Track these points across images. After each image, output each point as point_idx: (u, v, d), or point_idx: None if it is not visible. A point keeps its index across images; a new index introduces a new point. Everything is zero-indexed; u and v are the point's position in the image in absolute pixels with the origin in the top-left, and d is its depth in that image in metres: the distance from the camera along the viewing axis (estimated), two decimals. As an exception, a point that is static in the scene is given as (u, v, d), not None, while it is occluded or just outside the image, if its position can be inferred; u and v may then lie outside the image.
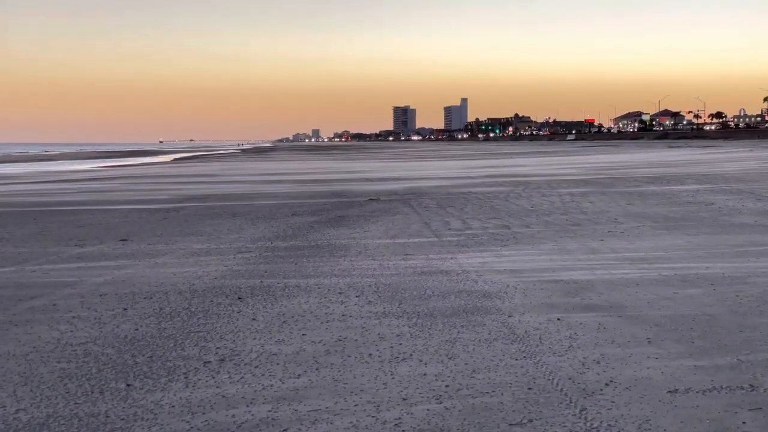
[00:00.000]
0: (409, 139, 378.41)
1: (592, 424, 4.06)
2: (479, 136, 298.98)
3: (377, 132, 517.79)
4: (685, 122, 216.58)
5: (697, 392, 4.52)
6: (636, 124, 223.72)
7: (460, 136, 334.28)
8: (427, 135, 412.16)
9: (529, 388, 4.63)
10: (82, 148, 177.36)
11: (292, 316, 6.56)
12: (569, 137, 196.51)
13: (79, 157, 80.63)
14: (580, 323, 6.16)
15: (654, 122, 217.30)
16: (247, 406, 4.42)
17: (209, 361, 5.30)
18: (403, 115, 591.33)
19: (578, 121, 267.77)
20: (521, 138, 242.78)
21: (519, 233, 11.60)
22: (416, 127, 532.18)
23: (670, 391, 4.54)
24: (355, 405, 4.41)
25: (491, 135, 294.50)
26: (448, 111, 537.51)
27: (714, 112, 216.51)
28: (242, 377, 4.94)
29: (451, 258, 9.43)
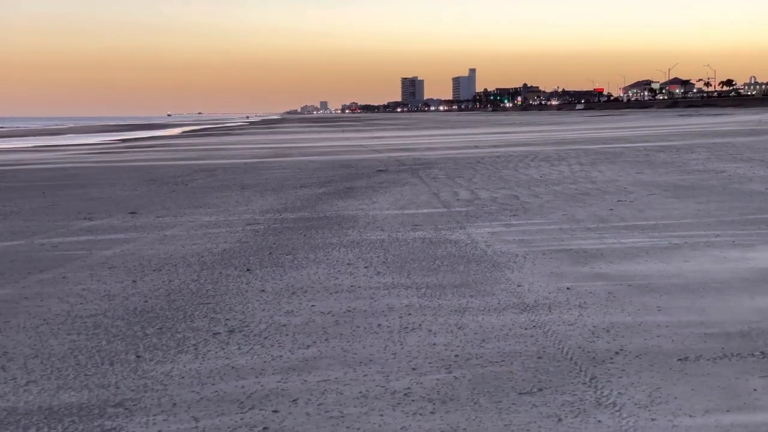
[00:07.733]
0: (417, 110, 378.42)
1: (602, 393, 4.04)
2: (488, 106, 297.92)
3: (385, 103, 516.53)
4: (695, 90, 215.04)
5: (708, 360, 4.50)
6: (645, 93, 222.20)
7: (468, 107, 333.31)
8: (435, 106, 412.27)
9: (539, 357, 4.62)
10: (90, 121, 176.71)
11: (301, 288, 6.56)
12: (578, 107, 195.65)
13: (88, 131, 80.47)
14: (590, 292, 6.14)
15: (664, 90, 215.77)
16: (257, 377, 4.42)
17: (218, 333, 5.30)
18: (411, 86, 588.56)
19: (587, 91, 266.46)
20: (530, 108, 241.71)
21: (528, 203, 11.55)
22: (424, 98, 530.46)
23: (680, 359, 4.52)
24: (365, 375, 4.40)
25: (500, 105, 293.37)
26: (457, 81, 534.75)
27: (724, 80, 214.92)
28: (251, 348, 4.94)
29: (460, 228, 9.40)
